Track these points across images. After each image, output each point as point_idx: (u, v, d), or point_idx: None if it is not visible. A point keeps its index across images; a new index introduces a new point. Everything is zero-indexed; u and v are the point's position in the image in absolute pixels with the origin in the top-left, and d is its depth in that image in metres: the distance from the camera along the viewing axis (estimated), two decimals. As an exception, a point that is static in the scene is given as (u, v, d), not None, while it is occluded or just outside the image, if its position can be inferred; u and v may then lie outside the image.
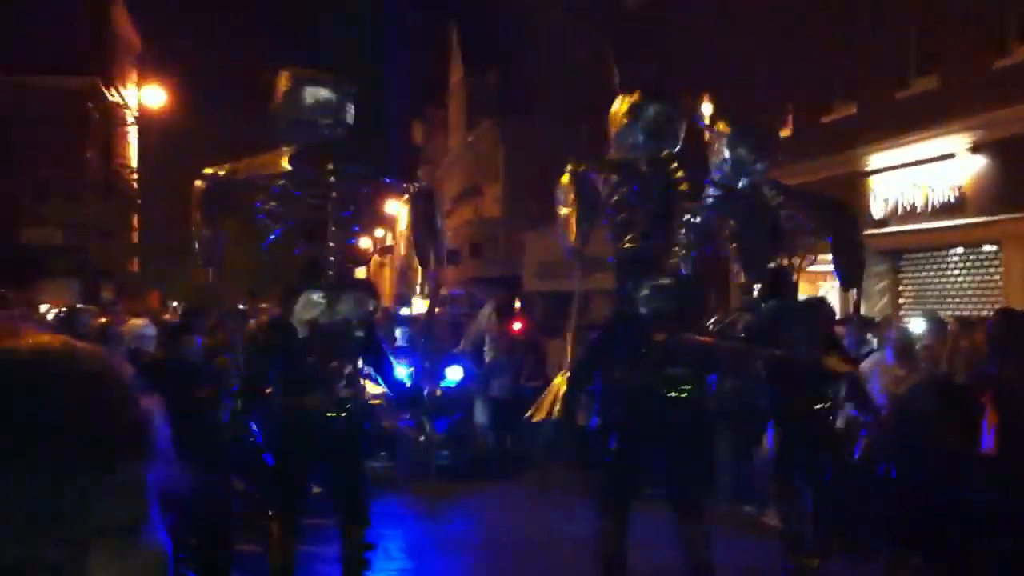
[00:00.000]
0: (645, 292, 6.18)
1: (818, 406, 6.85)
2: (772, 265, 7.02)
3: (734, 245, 7.17)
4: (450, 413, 12.74)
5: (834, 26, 16.88)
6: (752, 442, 7.77)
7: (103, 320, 8.41)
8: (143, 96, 35.65)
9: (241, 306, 11.91)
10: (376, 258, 68.08)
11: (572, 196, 6.51)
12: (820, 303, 7.36)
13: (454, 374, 13.17)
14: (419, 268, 7.98)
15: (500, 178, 37.77)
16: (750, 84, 19.31)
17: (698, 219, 6.83)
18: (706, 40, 21.56)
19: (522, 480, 12.08)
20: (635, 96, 6.92)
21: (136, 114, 37.46)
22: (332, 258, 6.19)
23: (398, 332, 15.39)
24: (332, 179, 6.21)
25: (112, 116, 36.62)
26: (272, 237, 6.30)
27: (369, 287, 6.68)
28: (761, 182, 7.11)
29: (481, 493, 11.48)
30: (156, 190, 32.52)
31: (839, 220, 7.39)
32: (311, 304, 5.97)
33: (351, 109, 6.38)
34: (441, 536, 9.53)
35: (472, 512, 10.70)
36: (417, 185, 7.13)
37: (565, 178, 6.68)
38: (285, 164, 6.20)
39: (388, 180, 7.16)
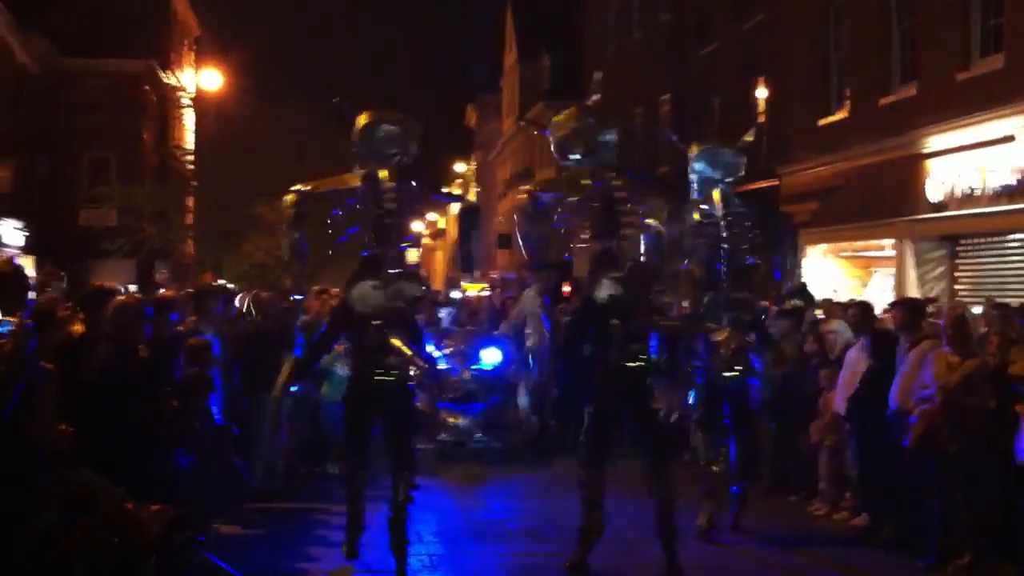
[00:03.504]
0: (602, 284, 7.62)
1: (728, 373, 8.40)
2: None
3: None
4: (485, 397, 12.62)
5: (895, 5, 16.44)
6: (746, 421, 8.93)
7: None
8: (200, 79, 35.89)
9: (297, 295, 12.22)
10: (429, 241, 68.41)
11: (525, 216, 8.19)
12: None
13: (491, 357, 12.97)
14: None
15: (553, 161, 37.54)
16: (805, 66, 18.95)
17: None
18: (764, 21, 21.18)
19: (559, 465, 11.91)
20: (573, 111, 8.34)
21: (192, 97, 37.76)
22: (389, 256, 7.59)
23: (443, 313, 15.34)
24: (392, 195, 7.61)
25: (168, 99, 36.93)
26: (343, 239, 7.78)
27: (416, 277, 7.91)
28: (719, 192, 8.51)
29: (517, 478, 11.37)
30: (211, 173, 32.73)
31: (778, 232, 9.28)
32: (370, 291, 7.40)
33: (414, 143, 7.85)
34: (474, 522, 9.42)
35: (506, 498, 10.53)
36: (466, 202, 9.06)
37: (521, 196, 8.39)
38: (356, 182, 7.78)
39: (437, 196, 8.68)
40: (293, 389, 9.38)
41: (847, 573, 8.14)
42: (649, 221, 8.51)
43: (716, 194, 8.44)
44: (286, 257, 8.94)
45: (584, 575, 7.51)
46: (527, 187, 8.66)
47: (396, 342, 7.27)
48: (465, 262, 8.66)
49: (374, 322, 7.31)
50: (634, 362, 7.55)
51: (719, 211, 8.35)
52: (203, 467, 6.85)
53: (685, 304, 9.13)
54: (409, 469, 7.43)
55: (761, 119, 21.12)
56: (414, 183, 7.96)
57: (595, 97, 8.64)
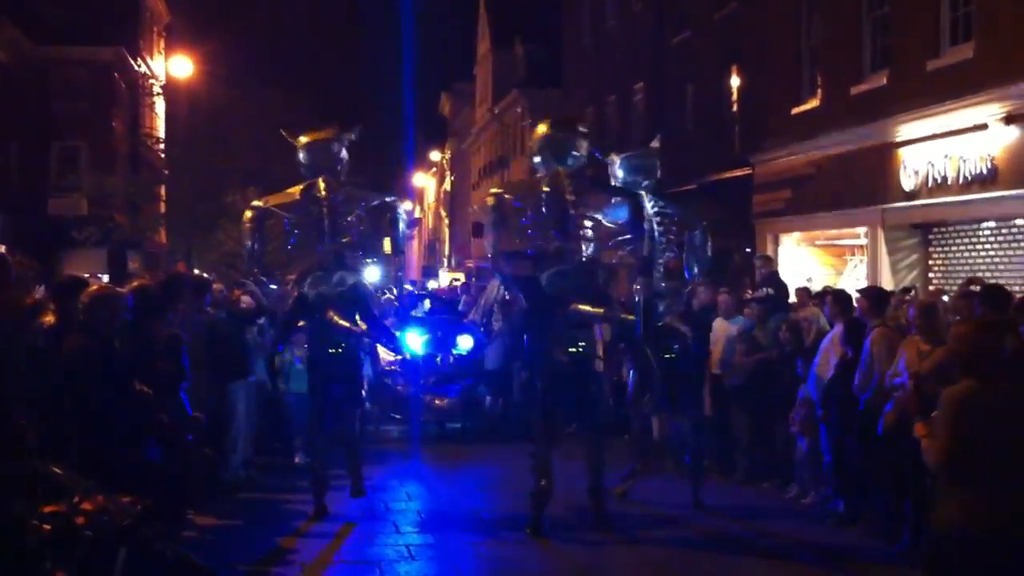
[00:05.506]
0: (550, 277, 8.66)
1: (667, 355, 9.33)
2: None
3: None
4: (460, 380, 13.27)
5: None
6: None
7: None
8: (170, 67, 35.56)
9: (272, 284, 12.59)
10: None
11: (492, 216, 9.03)
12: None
13: (465, 343, 13.67)
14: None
15: (526, 150, 37.47)
16: (778, 54, 18.98)
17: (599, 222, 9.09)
18: (738, 9, 21.19)
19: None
20: (544, 125, 9.29)
21: (163, 85, 37.42)
22: (331, 251, 9.00)
23: (427, 304, 16.12)
24: (328, 202, 8.98)
25: (139, 87, 36.56)
26: (293, 240, 9.37)
27: (354, 268, 9.17)
28: (645, 192, 9.42)
29: (490, 466, 11.40)
30: (183, 161, 32.45)
31: (698, 224, 9.75)
32: (314, 281, 8.94)
33: (344, 153, 9.37)
34: (449, 511, 9.41)
35: (480, 489, 10.49)
36: (392, 199, 10.31)
37: (489, 199, 9.15)
38: (298, 194, 9.28)
39: (376, 198, 9.95)
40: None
41: (821, 556, 8.19)
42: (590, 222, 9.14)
43: (643, 195, 9.28)
44: (245, 264, 10.25)
45: (542, 533, 8.35)
46: (494, 190, 9.60)
47: (339, 320, 8.74)
48: (395, 248, 10.14)
49: (324, 306, 8.81)
50: (574, 347, 8.60)
51: (648, 210, 9.20)
52: (174, 459, 6.79)
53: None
54: (351, 420, 9.24)
55: (734, 108, 21.17)
56: (349, 187, 9.44)
57: (582, 129, 9.47)
